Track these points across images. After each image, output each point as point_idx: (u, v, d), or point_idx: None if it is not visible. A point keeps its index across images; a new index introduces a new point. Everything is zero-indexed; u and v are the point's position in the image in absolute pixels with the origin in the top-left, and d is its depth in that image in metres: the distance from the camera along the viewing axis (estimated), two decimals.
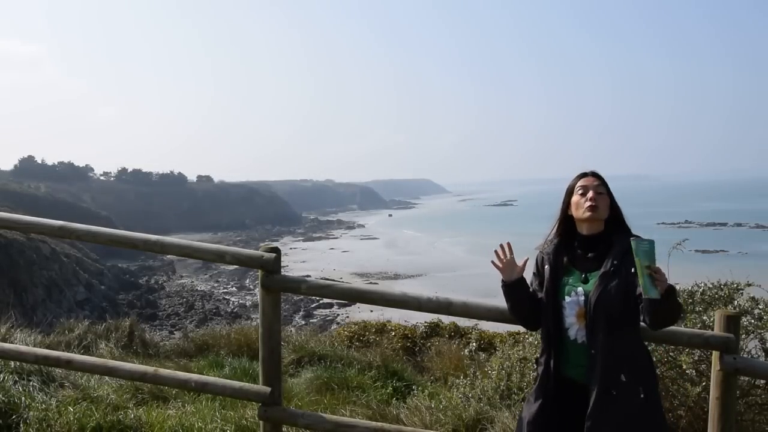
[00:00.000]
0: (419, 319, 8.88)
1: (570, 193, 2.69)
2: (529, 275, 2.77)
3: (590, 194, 2.62)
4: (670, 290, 2.35)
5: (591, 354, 2.51)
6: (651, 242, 2.34)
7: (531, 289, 2.73)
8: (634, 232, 2.64)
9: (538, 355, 2.76)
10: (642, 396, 2.48)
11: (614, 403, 2.46)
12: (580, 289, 2.58)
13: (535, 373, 2.77)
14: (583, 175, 2.69)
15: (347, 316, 36.01)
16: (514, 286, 2.69)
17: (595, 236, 2.63)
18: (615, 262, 2.53)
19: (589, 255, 2.61)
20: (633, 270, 2.48)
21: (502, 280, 2.70)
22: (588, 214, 2.60)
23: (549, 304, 2.62)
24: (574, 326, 2.58)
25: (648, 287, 2.32)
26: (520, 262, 2.70)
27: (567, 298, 2.59)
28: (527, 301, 2.70)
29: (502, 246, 2.70)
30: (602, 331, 2.49)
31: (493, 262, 2.69)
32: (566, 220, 2.69)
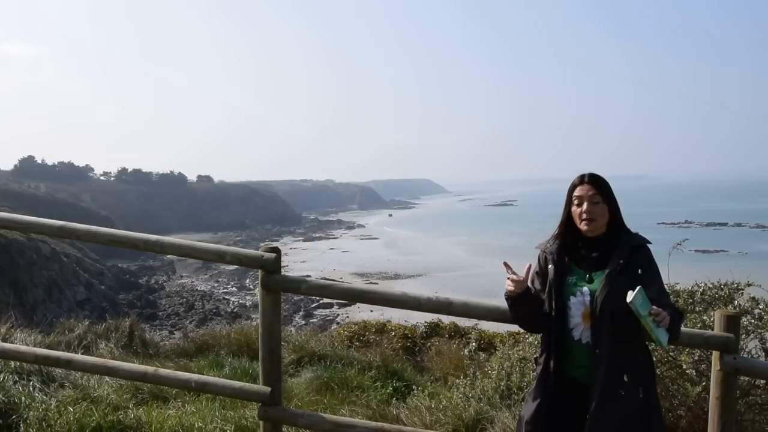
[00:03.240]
0: (419, 319, 8.88)
1: (570, 198, 2.66)
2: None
3: (585, 206, 2.58)
4: (674, 322, 2.38)
5: (595, 354, 2.50)
6: (639, 289, 2.34)
7: (533, 291, 2.70)
8: (634, 232, 2.64)
9: (537, 355, 2.75)
10: (641, 396, 2.50)
11: (616, 403, 2.47)
12: (585, 288, 2.56)
13: (534, 373, 2.77)
14: (581, 180, 2.64)
15: (347, 316, 36.00)
16: (519, 297, 2.62)
17: (598, 237, 2.62)
18: (621, 261, 2.53)
19: (593, 255, 2.60)
20: (640, 271, 2.51)
21: (510, 293, 2.61)
22: (585, 227, 2.59)
23: (553, 304, 2.59)
24: (579, 326, 2.56)
25: (659, 335, 2.33)
26: (523, 273, 2.62)
27: (572, 298, 2.57)
28: (532, 309, 2.66)
29: (509, 267, 2.62)
30: (607, 331, 2.48)
31: (509, 278, 2.60)
32: (569, 222, 2.67)
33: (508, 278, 2.60)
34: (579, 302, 2.56)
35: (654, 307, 2.34)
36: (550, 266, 2.64)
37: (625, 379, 2.48)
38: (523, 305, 2.65)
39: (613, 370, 2.48)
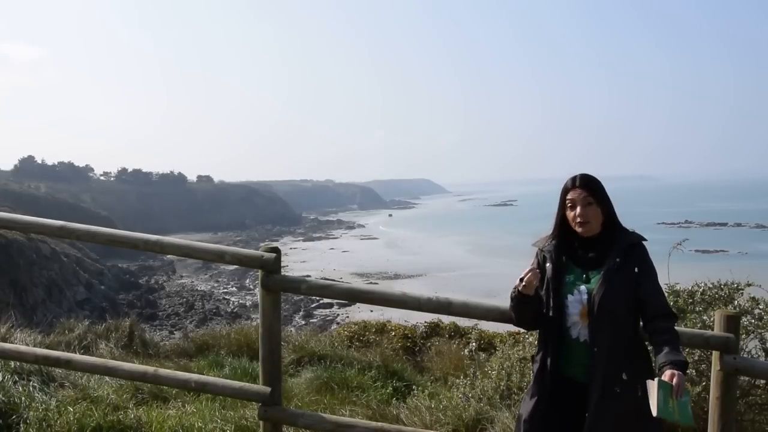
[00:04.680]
0: (419, 319, 8.88)
1: (564, 201, 2.67)
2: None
3: (578, 210, 2.59)
4: (675, 341, 2.43)
5: (594, 352, 2.51)
6: (657, 384, 2.30)
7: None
8: (630, 230, 2.65)
9: (534, 353, 2.76)
10: (640, 394, 2.50)
11: (615, 401, 2.48)
12: (582, 287, 2.58)
13: (532, 371, 2.77)
14: (573, 183, 2.63)
15: (347, 316, 36.02)
16: (530, 297, 2.61)
17: (593, 237, 2.63)
18: (618, 259, 2.54)
19: (590, 254, 2.61)
20: (636, 269, 2.52)
21: (520, 293, 2.60)
22: (579, 229, 2.61)
23: (552, 303, 2.61)
24: (576, 325, 2.58)
25: (682, 415, 2.29)
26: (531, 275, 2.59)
27: (570, 297, 2.59)
28: (537, 309, 2.65)
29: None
30: (605, 330, 2.50)
31: (521, 280, 2.58)
32: (563, 223, 2.68)
33: (527, 275, 2.56)
34: (576, 301, 2.58)
35: (671, 382, 2.29)
36: (548, 265, 2.66)
37: (624, 377, 2.49)
38: (531, 305, 2.64)
39: (611, 368, 2.49)
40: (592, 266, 2.59)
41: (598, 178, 2.67)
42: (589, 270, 2.60)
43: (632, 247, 2.56)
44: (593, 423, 2.48)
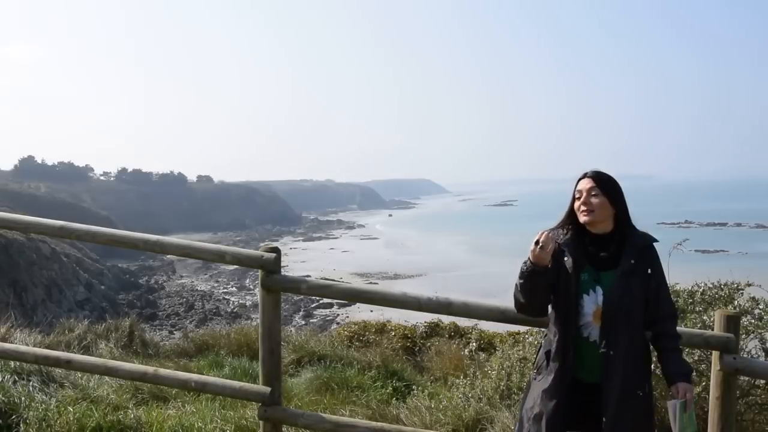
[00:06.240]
0: (419, 319, 8.87)
1: (574, 192, 2.65)
2: None
3: (583, 198, 2.57)
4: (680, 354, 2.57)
5: (609, 355, 2.48)
6: (676, 405, 2.43)
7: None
8: (642, 231, 2.63)
9: (546, 350, 2.66)
10: (641, 394, 2.51)
11: (631, 401, 2.48)
12: (598, 288, 2.53)
13: (534, 373, 2.73)
14: (584, 175, 2.64)
15: (347, 316, 36.01)
16: (542, 272, 2.49)
17: (605, 235, 2.59)
18: (632, 261, 2.52)
19: (602, 254, 2.57)
20: (649, 270, 2.53)
21: (532, 264, 2.48)
22: (584, 219, 2.57)
23: (569, 302, 2.54)
24: (589, 325, 2.53)
25: (692, 420, 2.44)
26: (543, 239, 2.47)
27: (585, 297, 2.54)
28: (546, 287, 2.54)
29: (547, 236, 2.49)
30: (621, 331, 2.48)
31: (537, 243, 2.46)
32: (572, 214, 2.63)
33: (542, 236, 2.45)
34: (591, 301, 2.53)
35: (686, 397, 2.43)
36: (566, 259, 2.56)
37: (636, 378, 2.50)
38: (542, 282, 2.51)
39: (627, 369, 2.48)
40: (603, 266, 2.55)
41: (614, 177, 2.64)
42: (602, 270, 2.55)
43: (646, 249, 2.56)
44: (613, 424, 2.46)
